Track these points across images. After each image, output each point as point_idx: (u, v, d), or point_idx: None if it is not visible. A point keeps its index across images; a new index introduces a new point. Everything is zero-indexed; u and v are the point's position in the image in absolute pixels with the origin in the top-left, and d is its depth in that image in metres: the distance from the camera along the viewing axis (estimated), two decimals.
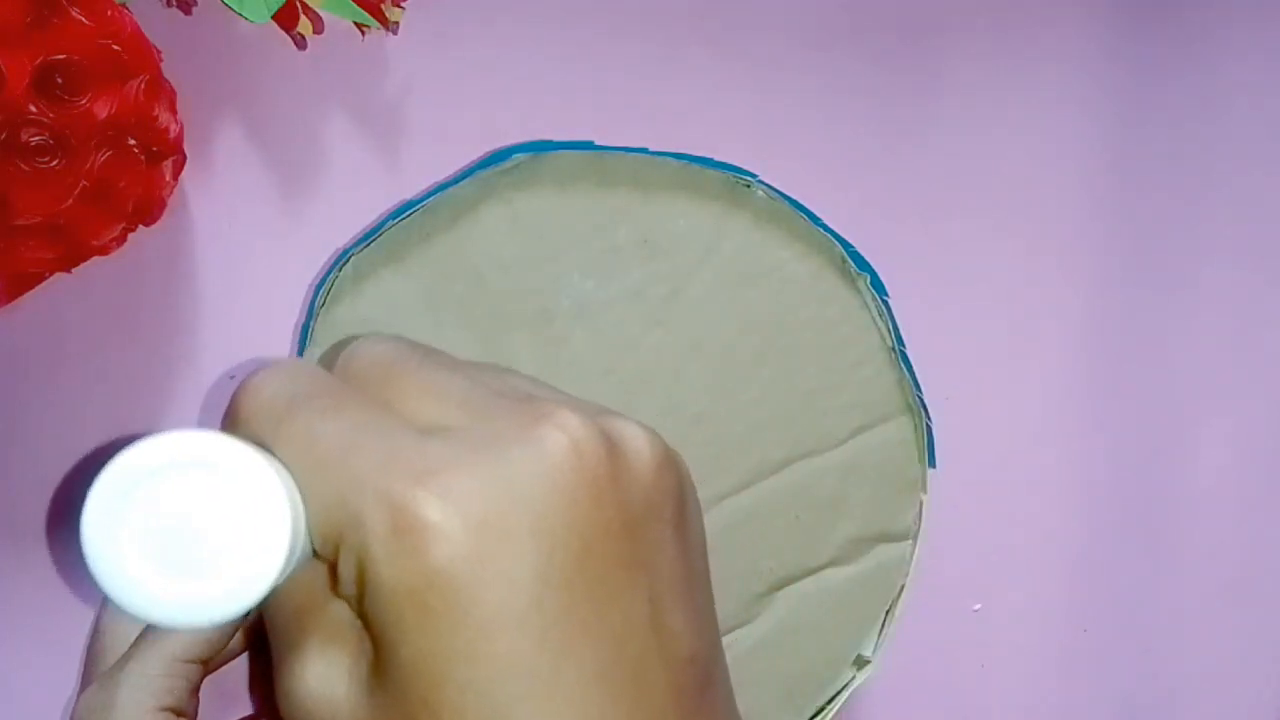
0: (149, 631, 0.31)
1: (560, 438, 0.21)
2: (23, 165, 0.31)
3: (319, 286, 0.33)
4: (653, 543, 0.22)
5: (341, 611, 0.22)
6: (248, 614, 0.21)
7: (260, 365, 0.22)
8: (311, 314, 0.33)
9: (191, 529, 0.20)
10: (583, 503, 0.21)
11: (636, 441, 0.23)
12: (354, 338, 0.26)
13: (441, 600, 0.20)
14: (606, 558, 0.21)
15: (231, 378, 0.37)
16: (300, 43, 0.37)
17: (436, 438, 0.21)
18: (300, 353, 0.33)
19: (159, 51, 0.34)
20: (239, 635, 0.33)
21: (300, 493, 0.21)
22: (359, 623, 0.22)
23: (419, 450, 0.21)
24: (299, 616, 0.22)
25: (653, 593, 0.22)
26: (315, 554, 0.22)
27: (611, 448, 0.22)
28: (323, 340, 0.33)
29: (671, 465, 0.23)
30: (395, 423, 0.22)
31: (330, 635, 0.22)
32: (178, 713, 0.30)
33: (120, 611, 0.20)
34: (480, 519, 0.20)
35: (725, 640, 0.33)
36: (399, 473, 0.20)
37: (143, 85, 0.33)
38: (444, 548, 0.20)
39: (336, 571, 0.22)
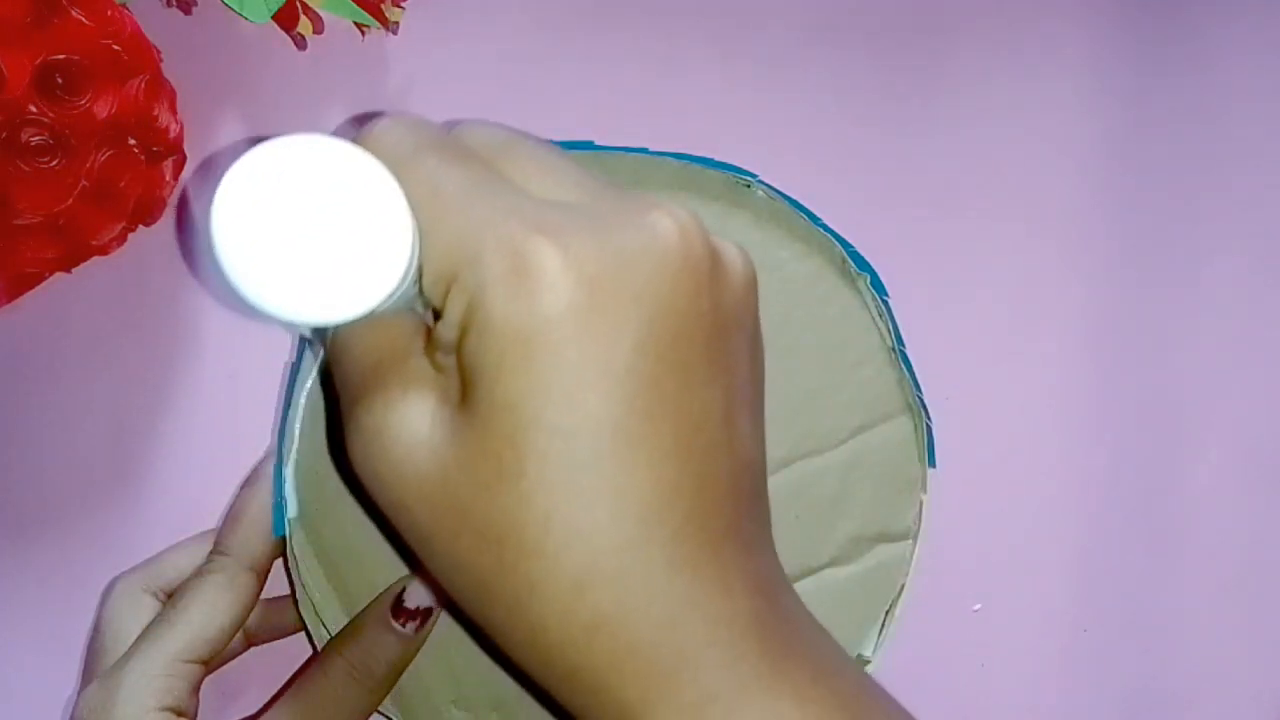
0: (150, 631, 0.31)
1: (671, 225, 0.22)
2: (23, 165, 0.31)
3: None
4: (733, 349, 0.23)
5: (422, 364, 0.23)
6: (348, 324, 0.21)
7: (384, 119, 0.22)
8: None
9: (318, 230, 0.20)
10: (684, 290, 0.22)
11: (733, 254, 0.24)
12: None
13: (546, 346, 0.20)
14: (695, 346, 0.22)
15: (231, 376, 0.37)
16: (300, 43, 0.37)
17: (554, 205, 0.22)
18: (300, 353, 0.33)
19: (159, 51, 0.34)
20: (239, 636, 0.33)
21: (419, 229, 0.21)
22: (439, 376, 0.22)
23: (539, 209, 0.22)
24: (379, 366, 0.23)
25: (728, 393, 0.23)
26: (418, 296, 0.22)
27: (713, 252, 0.23)
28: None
29: (755, 288, 0.24)
30: (514, 186, 0.22)
31: (412, 381, 0.22)
32: (178, 712, 0.30)
33: (241, 300, 0.21)
34: (593, 278, 0.21)
35: None
36: (521, 222, 0.21)
37: (143, 85, 0.33)
38: (557, 296, 0.20)
39: (439, 314, 0.22)
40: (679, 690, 0.21)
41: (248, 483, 0.33)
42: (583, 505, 0.21)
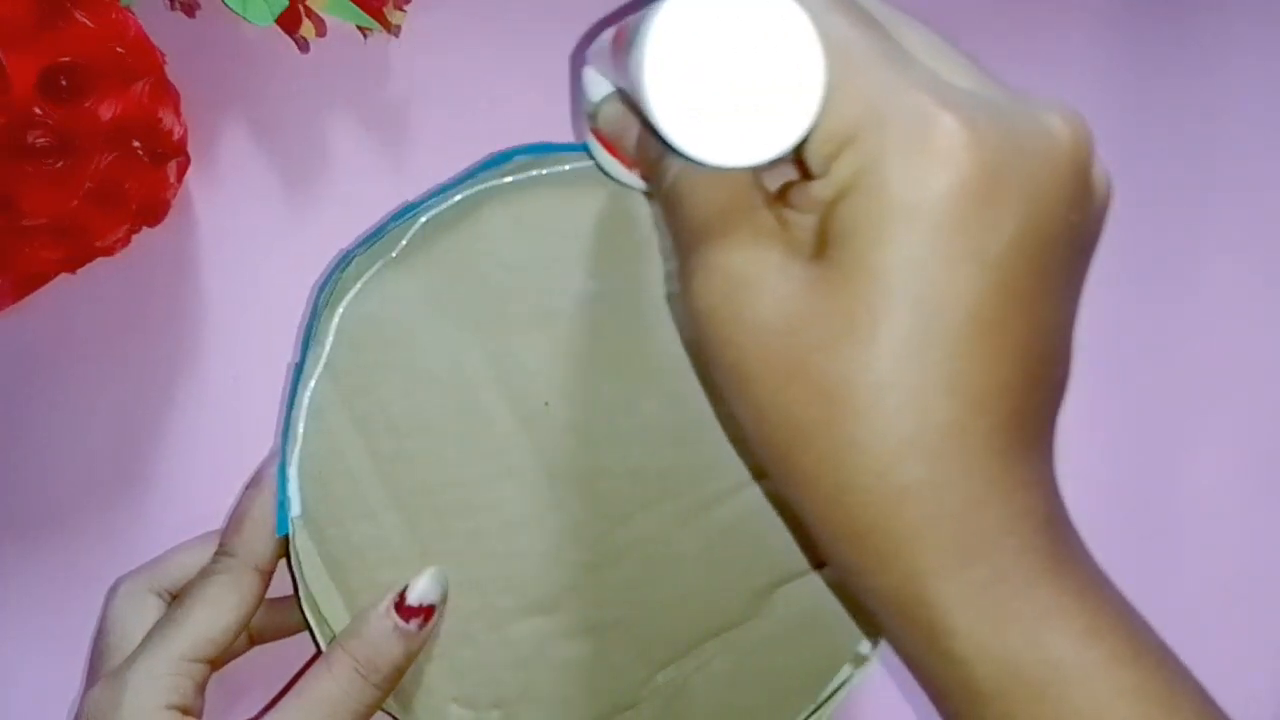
0: (156, 631, 0.31)
1: (1066, 131, 0.22)
2: (28, 167, 0.31)
3: (322, 287, 0.33)
4: (1082, 269, 0.23)
5: (768, 216, 0.23)
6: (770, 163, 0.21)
7: None
8: (315, 314, 0.33)
9: (737, 74, 0.21)
10: (1065, 198, 0.22)
11: (1104, 176, 0.24)
12: None
13: (931, 220, 0.21)
14: (1058, 256, 0.22)
15: (235, 378, 0.37)
16: (303, 45, 0.37)
17: (956, 86, 0.22)
18: (303, 354, 0.33)
19: (163, 54, 0.34)
20: (243, 636, 0.34)
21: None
22: (784, 229, 0.23)
23: (945, 86, 0.22)
24: (725, 213, 0.23)
25: (1070, 310, 0.23)
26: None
27: (1095, 168, 0.23)
28: (325, 340, 0.33)
29: (1107, 216, 0.24)
30: (917, 60, 0.23)
31: (760, 231, 0.23)
32: (185, 711, 0.30)
33: (673, 151, 0.21)
34: (991, 164, 0.21)
35: (725, 638, 0.33)
36: (931, 95, 0.21)
37: (147, 87, 0.33)
38: (955, 174, 0.21)
39: (803, 169, 0.23)
40: (971, 566, 0.22)
41: (252, 483, 0.33)
42: (923, 379, 0.21)
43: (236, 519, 0.33)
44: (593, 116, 0.29)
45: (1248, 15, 0.39)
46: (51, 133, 0.31)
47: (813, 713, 0.33)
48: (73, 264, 0.35)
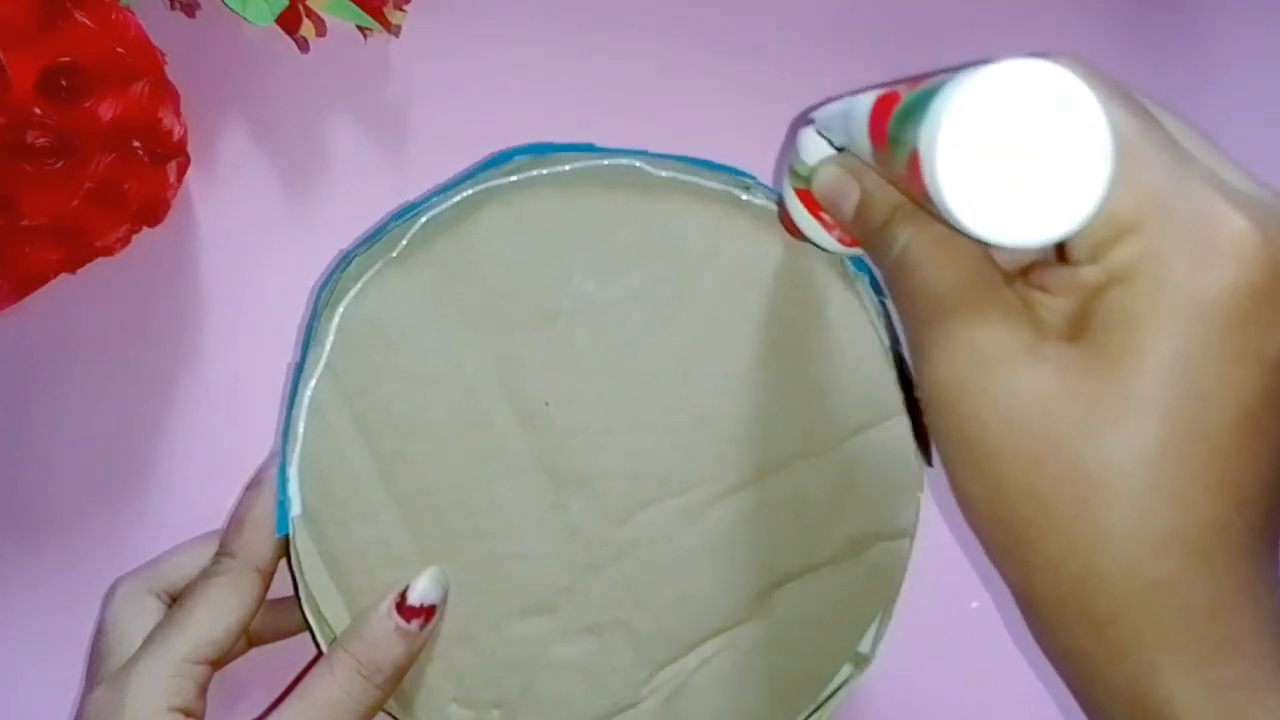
0: (157, 633, 0.31)
1: None
2: (28, 167, 0.31)
3: (322, 287, 0.33)
4: None
5: (1011, 295, 0.23)
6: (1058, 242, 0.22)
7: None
8: (315, 314, 0.33)
9: (1026, 154, 0.21)
10: None
11: None
12: None
13: (1216, 318, 0.21)
14: None
15: (235, 378, 0.37)
16: (303, 45, 0.37)
17: (1236, 186, 0.22)
18: (303, 354, 0.33)
19: (163, 54, 0.34)
20: (243, 638, 0.34)
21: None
22: (1026, 308, 0.23)
23: (1227, 186, 0.22)
24: (967, 287, 0.23)
25: None
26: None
27: None
28: (326, 340, 0.33)
29: None
30: (1194, 155, 0.23)
31: (1008, 309, 0.23)
32: (187, 713, 0.30)
33: (958, 227, 0.21)
34: (1278, 268, 0.21)
35: (725, 638, 0.33)
36: (1219, 193, 0.21)
37: (147, 88, 0.33)
38: (1242, 275, 0.21)
39: (1081, 254, 0.22)
40: (1214, 667, 0.22)
41: (252, 484, 0.33)
42: (1189, 473, 0.21)
43: (237, 520, 0.33)
44: (804, 178, 0.30)
45: (1245, 15, 0.39)
46: (51, 133, 0.31)
47: (813, 713, 0.33)
48: (73, 264, 0.35)
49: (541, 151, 0.34)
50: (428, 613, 0.31)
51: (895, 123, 0.23)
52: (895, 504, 0.34)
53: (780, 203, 0.33)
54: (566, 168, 0.34)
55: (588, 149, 0.34)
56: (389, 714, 0.32)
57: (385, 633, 0.31)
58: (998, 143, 0.21)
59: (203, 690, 0.31)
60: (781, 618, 0.33)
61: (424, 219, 0.33)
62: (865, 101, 0.26)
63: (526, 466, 0.33)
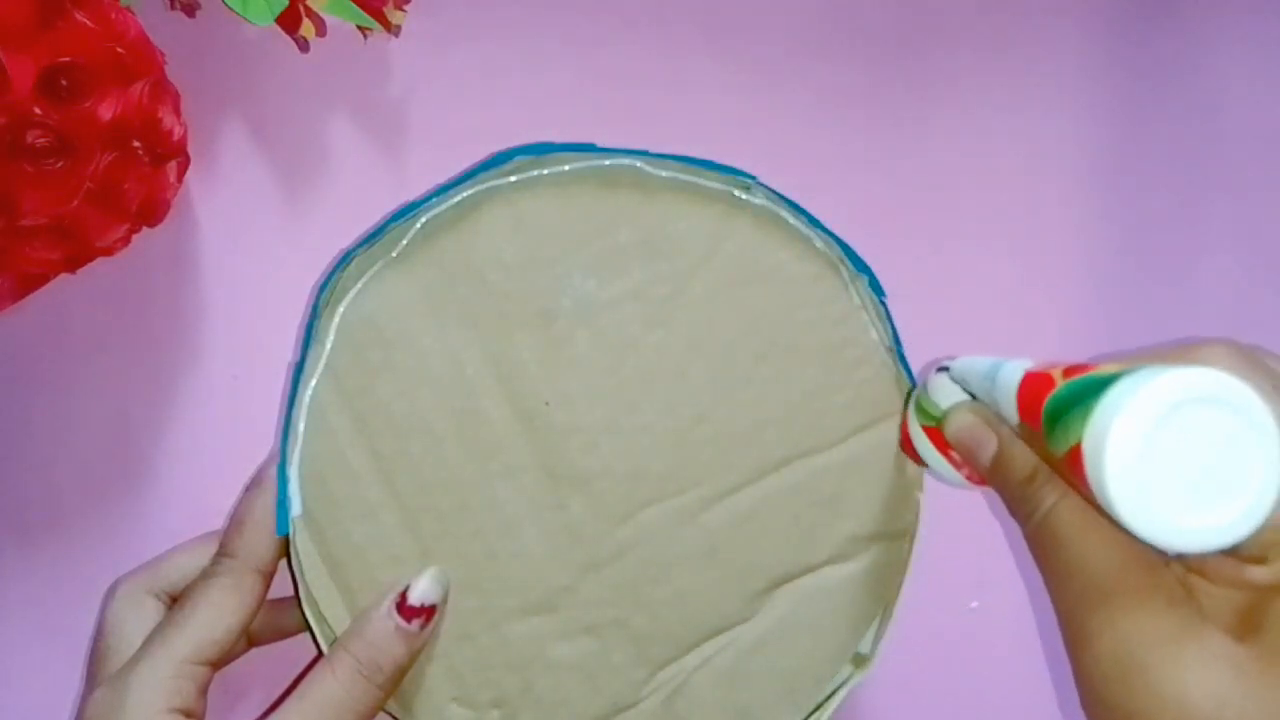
0: (157, 634, 0.31)
1: None
2: (28, 167, 0.31)
3: (323, 287, 0.33)
4: None
5: (1174, 582, 0.23)
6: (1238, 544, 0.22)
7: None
8: (315, 314, 0.33)
9: (1200, 462, 0.21)
10: None
11: None
12: None
13: None
14: None
15: (234, 377, 0.37)
16: (303, 45, 0.37)
17: None
18: (303, 353, 0.33)
19: (163, 54, 0.34)
20: (244, 638, 0.34)
21: None
22: (1185, 593, 0.23)
23: None
24: (1128, 569, 0.23)
25: None
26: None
27: None
28: (326, 340, 0.33)
29: None
30: None
31: (1173, 599, 0.23)
32: (187, 713, 0.30)
33: (1138, 535, 0.21)
34: None
35: (725, 637, 0.33)
36: None
37: (147, 88, 0.33)
38: None
39: (1253, 550, 0.23)
40: None
41: (252, 485, 0.33)
42: None
43: (237, 520, 0.33)
44: (934, 417, 0.31)
45: (1242, 15, 0.39)
46: (51, 133, 0.31)
47: (813, 713, 0.33)
48: (73, 264, 0.35)
49: (541, 151, 0.34)
50: (428, 612, 0.31)
51: (1051, 408, 0.24)
52: (895, 504, 0.34)
53: (903, 428, 0.33)
54: (566, 168, 0.34)
55: (588, 149, 0.34)
56: (389, 714, 0.32)
57: (386, 633, 0.31)
58: (1168, 450, 0.21)
59: (203, 691, 0.31)
60: (781, 618, 0.33)
61: (424, 219, 0.33)
62: (1013, 373, 0.26)
63: (526, 466, 0.33)
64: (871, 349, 0.34)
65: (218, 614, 0.31)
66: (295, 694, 0.31)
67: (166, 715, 0.29)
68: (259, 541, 0.32)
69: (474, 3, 0.38)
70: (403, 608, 0.31)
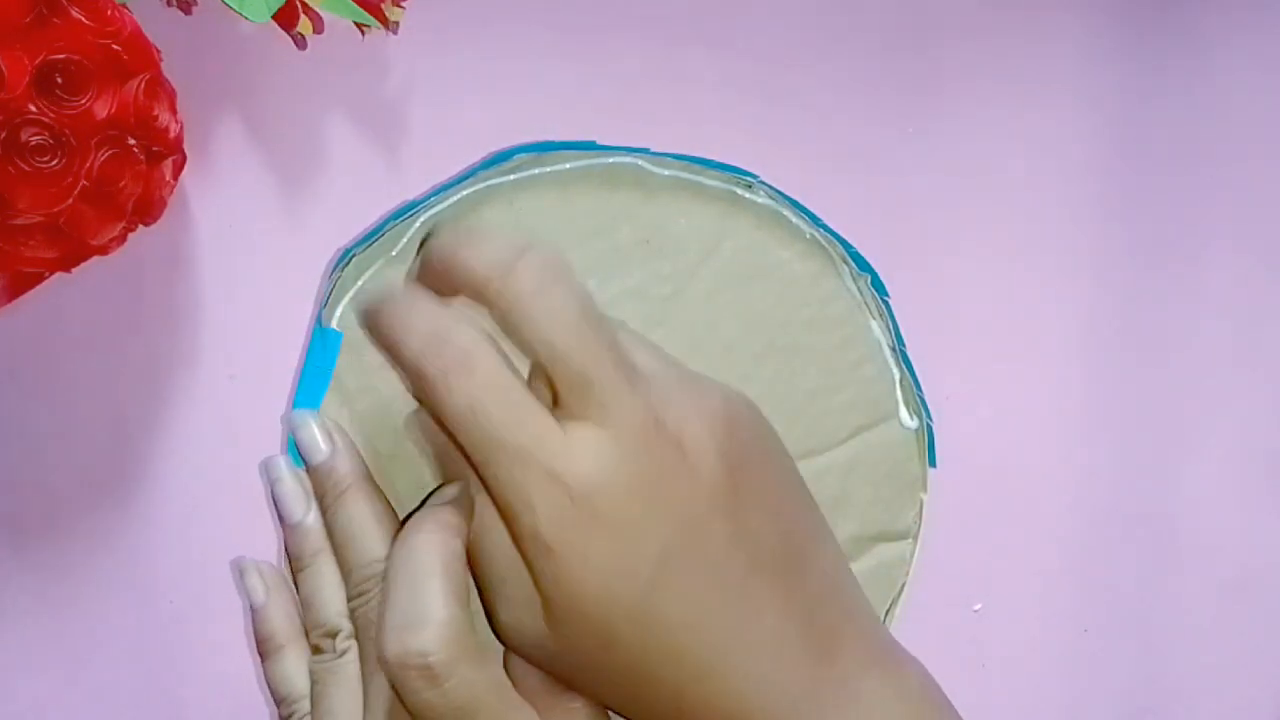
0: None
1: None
2: (23, 164, 0.31)
3: (322, 286, 0.33)
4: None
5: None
6: None
7: None
8: (319, 313, 0.33)
9: None
10: None
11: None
12: None
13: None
14: None
15: (232, 378, 0.37)
16: (300, 42, 0.37)
17: None
18: (304, 352, 0.33)
19: (159, 51, 0.34)
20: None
21: None
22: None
23: None
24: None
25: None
26: None
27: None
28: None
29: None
30: None
31: None
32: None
33: None
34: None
35: None
36: None
37: (143, 85, 0.33)
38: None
39: None
40: None
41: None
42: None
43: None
44: None
45: (1245, 14, 0.39)
46: (46, 130, 0.31)
47: None
48: (67, 263, 0.34)
49: (542, 149, 0.33)
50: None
51: None
52: (897, 505, 0.34)
53: None
54: (567, 166, 0.33)
55: (589, 147, 0.34)
56: None
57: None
58: None
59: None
60: None
61: (424, 217, 0.33)
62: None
63: None
64: (874, 349, 0.34)
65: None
66: None
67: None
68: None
69: (473, 0, 0.38)
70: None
